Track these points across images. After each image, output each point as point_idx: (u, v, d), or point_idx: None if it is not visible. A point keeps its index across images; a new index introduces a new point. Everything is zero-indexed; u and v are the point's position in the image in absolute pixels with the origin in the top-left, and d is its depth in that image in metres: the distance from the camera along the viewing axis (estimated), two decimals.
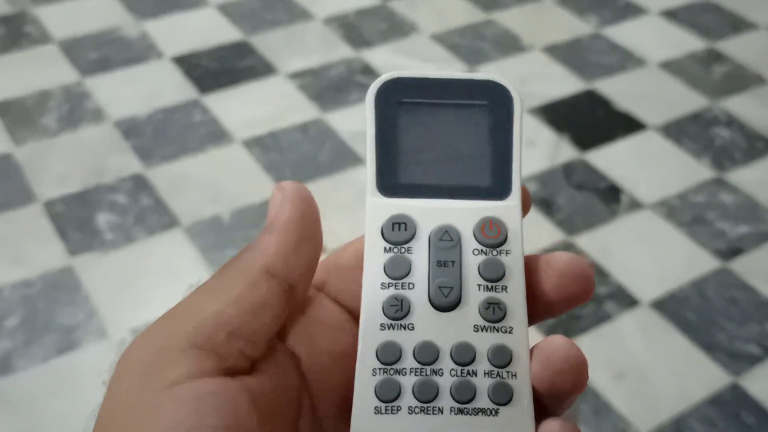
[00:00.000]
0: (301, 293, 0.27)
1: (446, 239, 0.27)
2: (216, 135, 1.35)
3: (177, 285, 1.11)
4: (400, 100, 0.29)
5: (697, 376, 1.02)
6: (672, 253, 1.17)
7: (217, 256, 1.14)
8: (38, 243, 1.16)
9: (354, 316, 0.28)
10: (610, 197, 1.25)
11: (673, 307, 1.09)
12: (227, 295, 0.26)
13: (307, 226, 0.27)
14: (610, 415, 0.97)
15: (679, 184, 1.28)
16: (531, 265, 0.27)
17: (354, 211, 1.19)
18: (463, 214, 0.28)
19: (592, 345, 1.04)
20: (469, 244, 0.27)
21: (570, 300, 0.27)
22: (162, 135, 1.35)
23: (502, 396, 0.25)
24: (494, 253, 0.27)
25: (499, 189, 0.28)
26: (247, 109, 1.41)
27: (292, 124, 1.37)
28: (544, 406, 0.26)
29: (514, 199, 0.28)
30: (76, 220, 1.19)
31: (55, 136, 1.34)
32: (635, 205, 1.24)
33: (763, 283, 1.13)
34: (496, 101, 0.29)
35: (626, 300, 1.10)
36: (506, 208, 0.28)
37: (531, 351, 0.26)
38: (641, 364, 1.02)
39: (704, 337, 1.06)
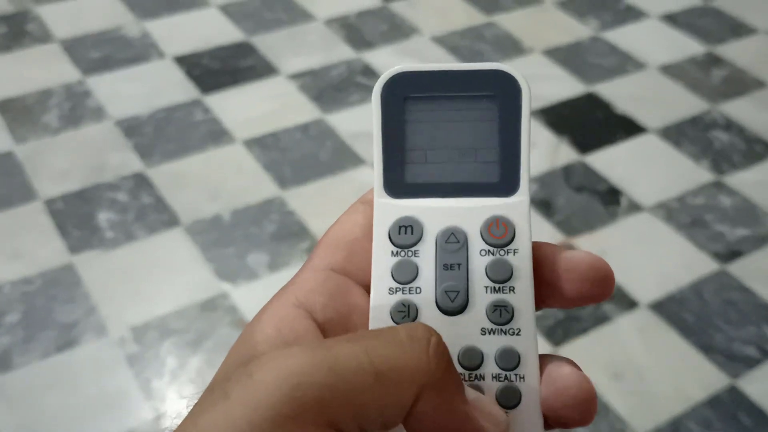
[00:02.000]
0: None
1: (452, 241, 0.27)
2: (216, 134, 1.35)
3: (177, 283, 1.11)
4: (406, 95, 0.29)
5: (695, 377, 1.02)
6: (671, 255, 1.18)
7: (217, 254, 1.14)
8: (39, 240, 1.16)
9: None
10: (610, 199, 1.26)
11: (671, 309, 1.09)
12: None
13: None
14: (608, 415, 0.97)
15: (678, 186, 1.29)
16: (550, 260, 0.27)
17: None
18: (470, 213, 0.27)
19: (590, 346, 1.05)
20: (476, 244, 0.27)
21: (589, 300, 0.27)
22: (163, 134, 1.35)
23: (510, 399, 0.25)
24: (501, 253, 0.27)
25: (506, 185, 0.28)
26: (248, 108, 1.41)
27: (293, 123, 1.37)
28: (548, 425, 0.26)
29: (522, 195, 0.27)
30: (77, 217, 1.19)
31: (56, 134, 1.34)
32: (634, 207, 1.25)
33: (761, 285, 1.13)
34: (503, 92, 0.28)
35: (625, 301, 1.10)
36: (514, 205, 0.27)
37: (540, 371, 0.26)
38: (639, 365, 1.03)
39: (702, 338, 1.06)
